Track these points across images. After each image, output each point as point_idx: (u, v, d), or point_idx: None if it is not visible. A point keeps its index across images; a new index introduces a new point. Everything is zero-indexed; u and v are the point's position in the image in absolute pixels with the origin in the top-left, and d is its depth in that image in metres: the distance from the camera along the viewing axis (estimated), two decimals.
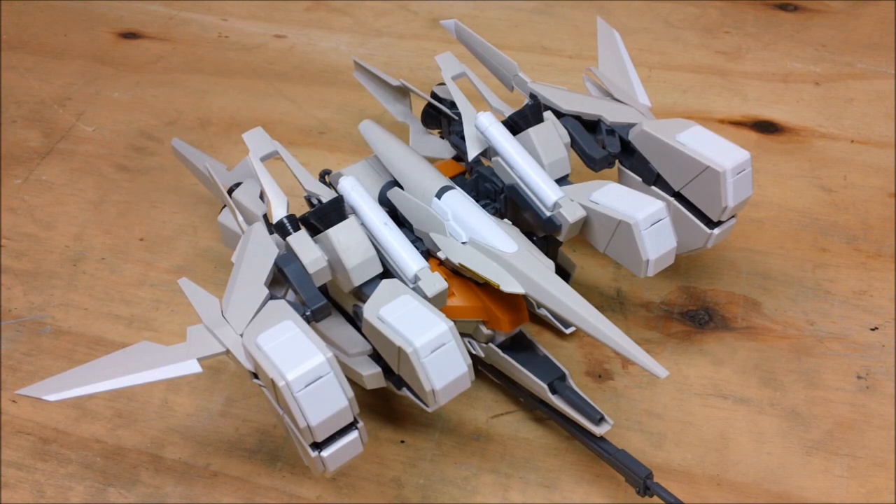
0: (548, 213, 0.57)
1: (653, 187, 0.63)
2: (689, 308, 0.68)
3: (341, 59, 0.99)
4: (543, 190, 0.57)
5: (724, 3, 1.05)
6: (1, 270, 0.74)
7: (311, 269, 0.53)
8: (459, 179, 0.63)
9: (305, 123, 0.89)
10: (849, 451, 0.58)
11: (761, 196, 0.77)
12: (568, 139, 0.63)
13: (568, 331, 0.65)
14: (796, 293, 0.68)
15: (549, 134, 0.61)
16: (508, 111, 0.64)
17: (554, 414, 0.57)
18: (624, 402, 0.61)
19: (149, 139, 0.88)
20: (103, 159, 0.86)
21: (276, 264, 0.53)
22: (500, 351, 0.58)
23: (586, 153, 0.63)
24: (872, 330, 0.65)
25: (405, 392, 0.54)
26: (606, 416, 0.55)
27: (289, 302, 0.50)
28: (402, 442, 0.60)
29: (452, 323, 0.48)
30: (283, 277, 0.53)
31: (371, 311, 0.49)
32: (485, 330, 0.57)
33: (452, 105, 0.68)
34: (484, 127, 0.60)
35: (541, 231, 0.59)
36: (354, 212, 0.56)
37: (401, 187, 0.61)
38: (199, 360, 0.49)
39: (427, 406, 0.50)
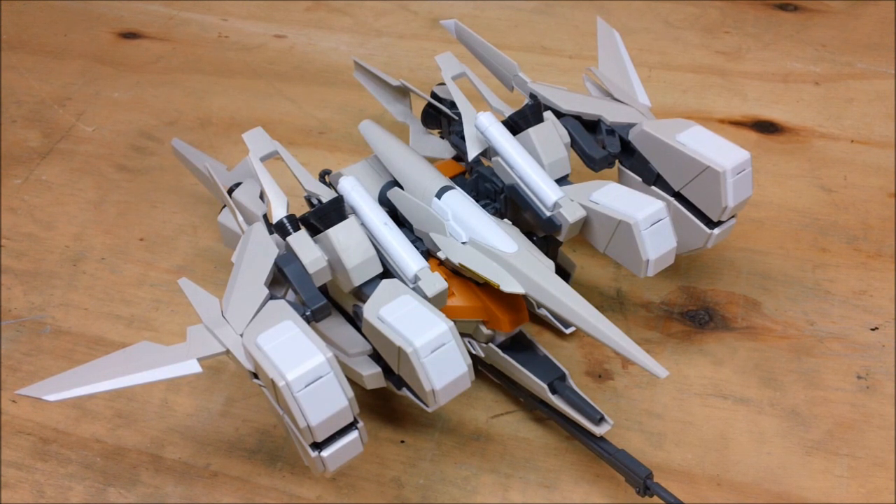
0: (548, 213, 0.57)
1: (653, 187, 0.63)
2: (689, 308, 0.68)
3: (341, 59, 0.99)
4: (543, 190, 0.57)
5: (724, 3, 1.05)
6: (1, 270, 0.74)
7: (311, 269, 0.53)
8: (459, 179, 0.63)
9: (305, 123, 0.89)
10: (849, 451, 0.58)
11: (761, 196, 0.77)
12: (568, 139, 0.63)
13: (568, 331, 0.65)
14: (796, 293, 0.68)
15: (549, 134, 0.61)
16: (508, 111, 0.64)
17: (554, 414, 0.57)
18: (624, 402, 0.61)
19: (149, 139, 0.88)
20: (103, 159, 0.86)
21: (276, 264, 0.53)
22: (500, 351, 0.58)
23: (586, 153, 0.63)
24: (872, 330, 0.65)
25: (405, 392, 0.54)
26: (606, 416, 0.55)
27: (289, 302, 0.50)
28: (402, 442, 0.60)
29: (452, 323, 0.48)
30: (283, 277, 0.53)
31: (371, 311, 0.49)
32: (485, 330, 0.57)
33: (452, 105, 0.68)
34: (484, 127, 0.60)
35: (541, 231, 0.59)
36: (354, 212, 0.56)
37: (401, 187, 0.61)
38: (199, 360, 0.49)
39: (427, 406, 0.50)
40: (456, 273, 0.57)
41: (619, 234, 0.56)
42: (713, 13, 1.03)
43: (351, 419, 0.47)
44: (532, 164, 0.58)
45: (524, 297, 0.54)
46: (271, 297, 0.51)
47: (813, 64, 0.94)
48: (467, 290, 0.56)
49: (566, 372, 0.57)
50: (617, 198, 0.57)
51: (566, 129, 0.64)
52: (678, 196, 0.62)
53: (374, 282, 0.53)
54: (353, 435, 0.48)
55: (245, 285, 0.52)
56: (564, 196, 0.57)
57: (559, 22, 1.04)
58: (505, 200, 0.60)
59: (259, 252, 0.54)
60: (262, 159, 0.60)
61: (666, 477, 0.57)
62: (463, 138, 0.62)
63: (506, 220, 0.59)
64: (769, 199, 0.77)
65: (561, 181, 0.60)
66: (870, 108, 0.87)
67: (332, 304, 0.57)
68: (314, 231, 0.54)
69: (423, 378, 0.47)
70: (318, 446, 0.47)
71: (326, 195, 0.57)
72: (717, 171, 0.58)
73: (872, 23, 1.00)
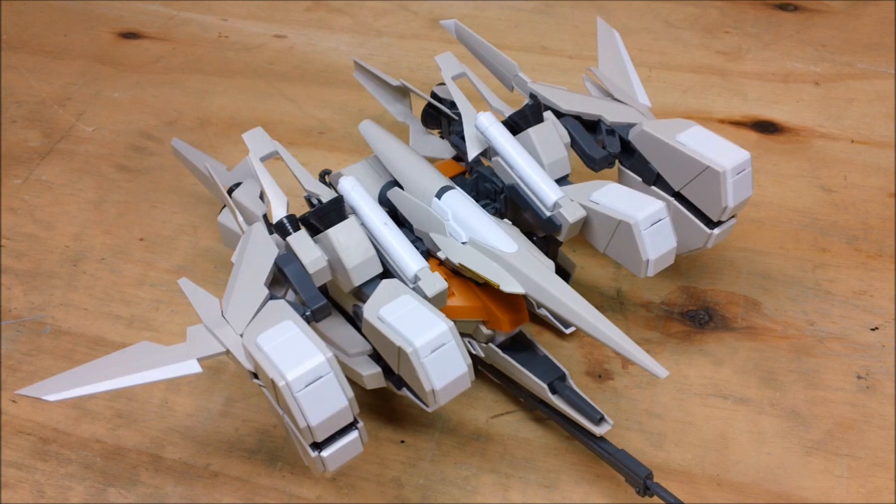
0: (548, 213, 0.57)
1: (653, 187, 0.63)
2: (689, 308, 0.68)
3: (341, 59, 0.99)
4: (543, 190, 0.57)
5: (724, 3, 1.05)
6: (1, 270, 0.74)
7: (311, 269, 0.53)
8: (459, 179, 0.63)
9: (305, 123, 0.89)
10: (849, 451, 0.58)
11: (761, 196, 0.77)
12: (568, 139, 0.63)
13: (568, 331, 0.65)
14: (796, 293, 0.68)
15: (549, 134, 0.61)
16: (508, 111, 0.64)
17: (554, 414, 0.57)
18: (624, 402, 0.61)
19: (149, 139, 0.88)
20: (103, 159, 0.86)
21: (276, 264, 0.53)
22: (500, 351, 0.58)
23: (586, 153, 0.63)
24: (872, 330, 0.65)
25: (405, 392, 0.54)
26: (606, 416, 0.55)
27: (289, 302, 0.50)
28: (402, 442, 0.60)
29: (452, 323, 0.48)
30: (283, 277, 0.53)
31: (371, 311, 0.49)
32: (485, 330, 0.57)
33: (452, 105, 0.68)
34: (484, 127, 0.60)
35: (541, 231, 0.59)
36: (354, 212, 0.56)
37: (401, 187, 0.61)
38: (199, 360, 0.49)
39: (427, 406, 0.50)
40: (456, 273, 0.57)
41: (619, 234, 0.56)
42: (713, 13, 1.03)
43: (351, 419, 0.47)
44: (532, 164, 0.58)
45: (524, 297, 0.54)
46: (271, 297, 0.51)
47: (813, 64, 0.94)
48: (467, 290, 0.56)
49: (566, 372, 0.57)
50: (617, 198, 0.57)
51: (566, 129, 0.64)
52: (678, 196, 0.62)
53: (374, 282, 0.53)
54: (353, 435, 0.48)
55: (245, 285, 0.52)
56: (564, 196, 0.57)
57: (559, 22, 1.04)
58: (505, 200, 0.60)
59: (259, 252, 0.54)
60: (262, 159, 0.60)
61: (666, 477, 0.57)
62: (463, 138, 0.62)
63: (506, 220, 0.59)
64: (769, 199, 0.77)
65: (561, 181, 0.60)
66: (870, 108, 0.87)
67: (332, 304, 0.57)
68: (314, 231, 0.54)
69: (423, 378, 0.47)
70: (318, 446, 0.47)
71: (326, 195, 0.57)
72: (717, 171, 0.58)
73: (872, 23, 1.00)
